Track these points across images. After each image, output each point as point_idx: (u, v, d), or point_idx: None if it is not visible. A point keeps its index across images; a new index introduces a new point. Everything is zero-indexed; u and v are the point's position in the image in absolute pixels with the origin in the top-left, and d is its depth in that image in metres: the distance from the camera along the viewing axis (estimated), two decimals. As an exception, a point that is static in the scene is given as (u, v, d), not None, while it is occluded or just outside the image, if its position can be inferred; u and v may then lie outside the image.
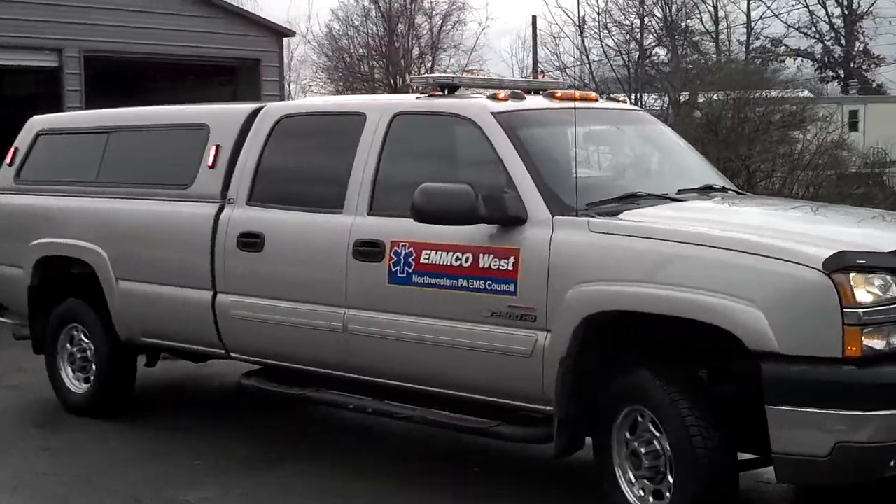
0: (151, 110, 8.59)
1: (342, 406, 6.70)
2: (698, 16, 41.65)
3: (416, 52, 42.31)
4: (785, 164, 17.71)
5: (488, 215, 5.74)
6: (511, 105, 6.31)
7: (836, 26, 52.10)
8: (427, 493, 6.40)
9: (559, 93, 6.75)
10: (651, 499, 5.34)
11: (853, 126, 30.82)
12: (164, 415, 8.25)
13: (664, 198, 6.09)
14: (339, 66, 42.97)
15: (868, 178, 21.24)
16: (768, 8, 49.90)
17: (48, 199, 8.37)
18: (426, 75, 6.89)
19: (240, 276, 7.02)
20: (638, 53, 36.47)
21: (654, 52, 38.97)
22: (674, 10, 40.09)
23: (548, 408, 5.62)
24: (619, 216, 5.65)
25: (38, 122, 8.94)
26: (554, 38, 40.03)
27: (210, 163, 7.40)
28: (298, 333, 6.68)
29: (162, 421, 8.04)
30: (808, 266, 4.80)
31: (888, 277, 4.84)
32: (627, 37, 38.71)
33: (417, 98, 6.67)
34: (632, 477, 5.40)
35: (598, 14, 37.08)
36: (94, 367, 8.08)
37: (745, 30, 46.74)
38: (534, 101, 6.57)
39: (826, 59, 52.80)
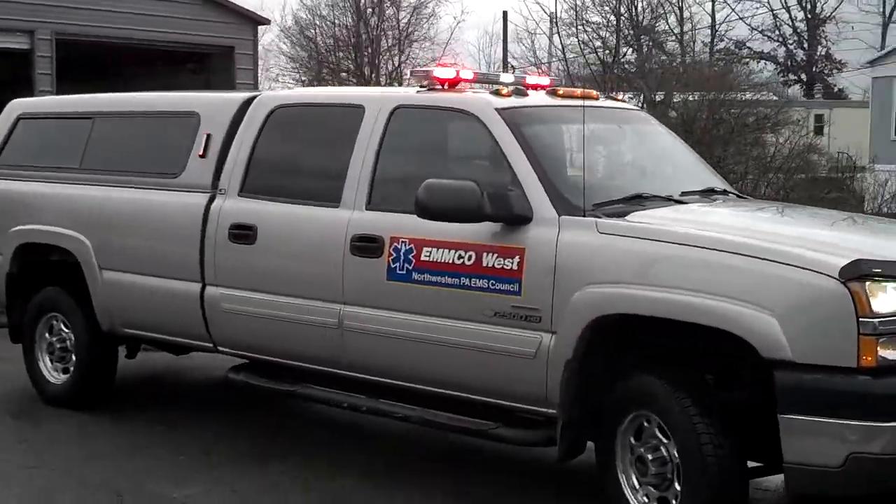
0: (139, 96, 8.41)
1: (335, 404, 6.58)
2: (664, 16, 41.88)
3: (387, 43, 42.06)
4: (757, 166, 17.76)
5: (494, 213, 5.65)
6: (515, 101, 6.23)
7: (799, 30, 52.63)
8: (419, 492, 6.30)
9: (561, 90, 6.68)
10: (656, 506, 5.28)
11: (819, 130, 31.02)
12: (144, 408, 8.09)
13: (668, 200, 6.04)
14: (308, 56, 42.69)
15: (838, 182, 21.35)
16: (733, 10, 50.37)
17: (29, 185, 8.19)
18: (426, 68, 6.76)
19: (231, 268, 6.89)
20: (611, 52, 36.47)
21: (623, 52, 39.04)
22: (640, 9, 40.29)
23: (550, 410, 5.54)
24: (627, 217, 5.58)
25: (19, 105, 8.76)
26: (530, 33, 40.12)
27: (200, 152, 7.26)
28: (291, 328, 6.56)
29: (142, 414, 7.89)
30: (824, 274, 4.75)
31: None
32: (594, 35, 38.77)
33: (418, 91, 6.55)
34: (636, 483, 5.33)
35: (573, 10, 37.07)
36: (73, 357, 7.92)
37: (709, 31, 47.14)
38: (537, 98, 6.49)
39: (789, 63, 53.23)
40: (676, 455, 5.10)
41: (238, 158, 7.03)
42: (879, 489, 4.83)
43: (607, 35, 38.18)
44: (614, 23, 38.35)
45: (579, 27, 37.05)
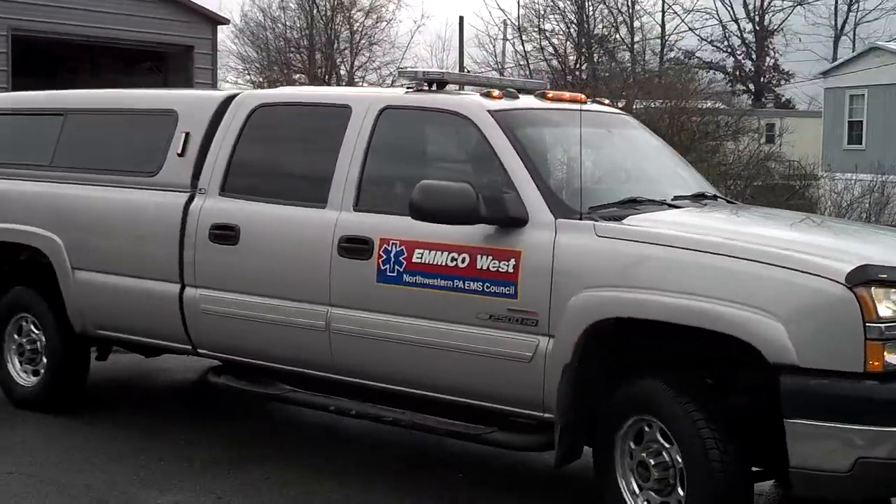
0: (114, 93, 8.23)
1: (323, 408, 6.45)
2: (615, 25, 42.18)
3: (338, 46, 41.90)
4: (717, 172, 17.87)
5: (489, 215, 5.58)
6: (507, 104, 6.16)
7: (747, 41, 53.13)
8: (407, 497, 6.21)
9: (550, 93, 6.62)
10: (657, 510, 5.23)
11: (770, 139, 31.32)
12: (116, 410, 7.92)
13: (662, 204, 5.99)
14: (259, 57, 42.44)
15: (790, 189, 21.52)
16: (682, 21, 50.75)
17: (-3, 183, 7.99)
18: (415, 69, 6.68)
19: (211, 269, 6.76)
20: (563, 59, 36.73)
21: (574, 60, 39.30)
22: (592, 19, 40.61)
23: (546, 415, 5.47)
24: (625, 221, 5.52)
25: (-16, 101, 8.56)
26: (492, 38, 40.21)
27: (179, 150, 7.12)
28: (276, 331, 6.43)
29: (115, 417, 7.72)
30: (830, 279, 4.72)
31: None
32: (547, 43, 39.03)
33: (406, 92, 6.46)
34: (636, 488, 5.27)
35: (528, 18, 37.27)
36: (44, 359, 7.72)
37: (659, 42, 47.48)
38: (528, 101, 6.42)
39: (737, 73, 53.72)
40: (680, 460, 5.06)
41: (218, 157, 6.90)
42: (887, 494, 4.83)
43: (558, 43, 38.45)
44: (566, 31, 38.59)
45: (534, 34, 37.30)
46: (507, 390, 5.60)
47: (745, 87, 53.57)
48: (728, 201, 6.77)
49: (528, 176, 5.70)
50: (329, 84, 36.39)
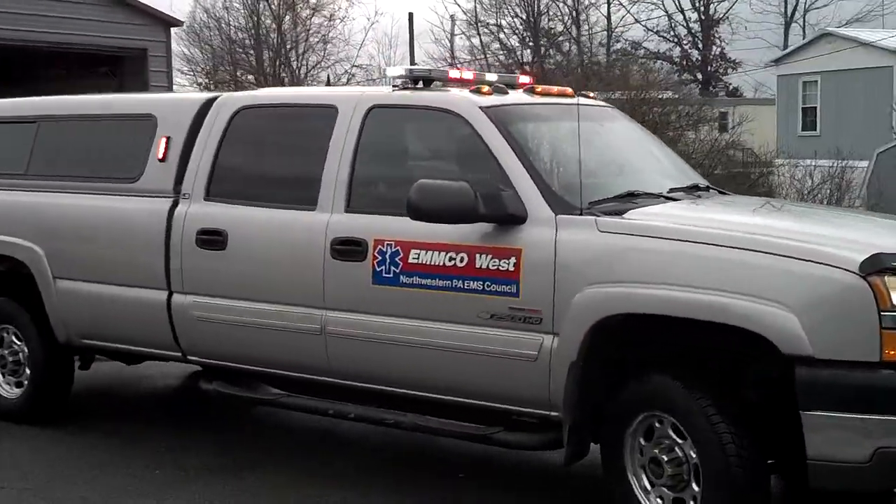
0: (89, 99, 8.09)
1: (320, 412, 6.37)
2: (560, 17, 42.30)
3: (284, 45, 41.60)
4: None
5: (488, 213, 5.51)
6: (498, 99, 6.09)
7: (693, 31, 53.46)
8: (408, 499, 6.14)
9: (539, 88, 6.56)
10: (671, 507, 5.19)
11: (723, 128, 31.53)
12: (100, 420, 7.79)
13: (660, 197, 5.96)
14: (204, 58, 42.09)
15: (746, 177, 21.62)
16: (628, 12, 51.01)
17: (-30, 193, 7.81)
18: (402, 66, 6.60)
19: (200, 275, 6.65)
20: (509, 52, 36.76)
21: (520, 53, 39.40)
22: (536, 12, 40.70)
23: (552, 413, 5.42)
24: (626, 215, 5.47)
25: (-48, 110, 8.34)
26: (446, 33, 40.15)
27: (160, 156, 7.00)
28: (270, 336, 6.33)
29: (100, 426, 7.61)
30: (843, 269, 4.69)
31: None
32: (492, 37, 39.07)
33: (393, 91, 6.37)
34: (647, 484, 5.23)
35: (474, 12, 37.24)
36: (27, 370, 7.58)
37: (605, 33, 47.69)
38: (518, 97, 6.37)
39: (684, 63, 54.03)
40: (694, 455, 5.02)
41: (202, 161, 6.79)
42: (906, 484, 4.81)
43: (503, 37, 38.47)
44: (512, 24, 38.63)
45: (481, 29, 37.30)
46: (511, 389, 5.54)
47: (692, 77, 53.92)
48: (720, 192, 6.74)
49: (525, 172, 5.64)
50: (282, 84, 36.12)
